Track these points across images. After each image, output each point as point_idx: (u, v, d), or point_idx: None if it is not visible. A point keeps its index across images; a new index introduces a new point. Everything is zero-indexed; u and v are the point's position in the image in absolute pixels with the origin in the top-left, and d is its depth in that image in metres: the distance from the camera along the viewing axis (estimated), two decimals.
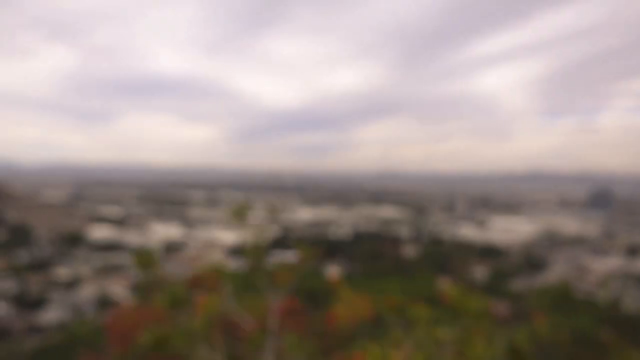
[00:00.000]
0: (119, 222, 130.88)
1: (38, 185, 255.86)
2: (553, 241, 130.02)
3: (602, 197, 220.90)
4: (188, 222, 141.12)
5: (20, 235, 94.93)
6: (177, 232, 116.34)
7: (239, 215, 4.18)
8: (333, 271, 69.90)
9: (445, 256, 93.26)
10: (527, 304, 27.40)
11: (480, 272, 77.98)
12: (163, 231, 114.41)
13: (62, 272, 76.83)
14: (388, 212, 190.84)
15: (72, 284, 71.65)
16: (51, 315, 55.88)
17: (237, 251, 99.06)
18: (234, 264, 79.33)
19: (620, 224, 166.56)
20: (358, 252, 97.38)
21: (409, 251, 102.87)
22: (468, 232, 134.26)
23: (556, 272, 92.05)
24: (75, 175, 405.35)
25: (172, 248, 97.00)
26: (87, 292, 67.61)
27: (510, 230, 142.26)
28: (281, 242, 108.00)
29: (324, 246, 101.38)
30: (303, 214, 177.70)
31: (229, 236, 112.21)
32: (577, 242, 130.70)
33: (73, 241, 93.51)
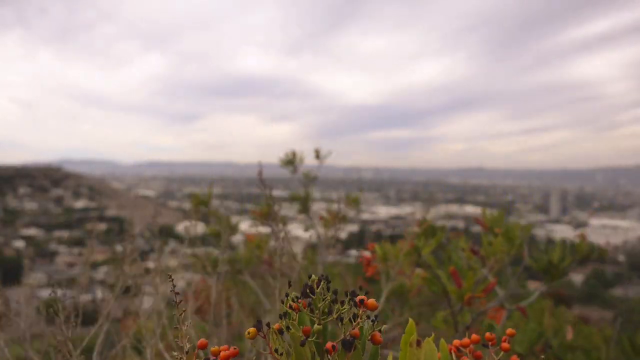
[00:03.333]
0: (204, 218, 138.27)
1: (134, 182, 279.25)
2: None
3: None
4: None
5: (119, 229, 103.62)
6: (257, 229, 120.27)
7: (289, 163, 3.98)
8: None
9: (536, 258, 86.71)
10: (632, 312, 24.02)
11: (577, 277, 71.48)
12: (244, 226, 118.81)
13: (153, 264, 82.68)
14: (473, 210, 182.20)
15: (162, 275, 76.75)
16: (144, 302, 60.30)
17: (315, 248, 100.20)
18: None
19: None
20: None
21: None
22: (564, 233, 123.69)
23: None
24: (166, 173, 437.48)
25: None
26: (175, 282, 72.01)
27: (614, 231, 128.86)
28: (359, 239, 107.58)
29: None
30: (382, 211, 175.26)
31: (307, 233, 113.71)
32: None
33: (164, 235, 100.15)
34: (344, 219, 3.79)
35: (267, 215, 4.05)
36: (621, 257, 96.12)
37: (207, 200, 4.01)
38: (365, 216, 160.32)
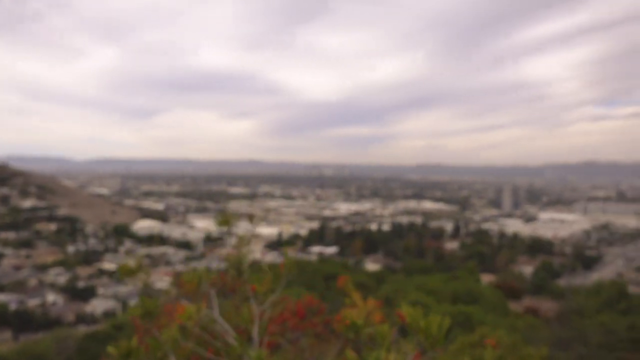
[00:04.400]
0: (162, 216, 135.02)
1: (87, 180, 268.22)
2: (608, 237, 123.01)
3: None
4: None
5: (71, 229, 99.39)
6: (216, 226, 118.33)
7: (224, 223, 3.78)
8: (371, 265, 68.80)
9: (490, 252, 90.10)
10: (576, 303, 25.43)
11: (527, 268, 74.60)
12: (203, 225, 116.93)
13: (109, 264, 79.80)
14: (430, 206, 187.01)
15: (117, 275, 74.32)
16: (98, 305, 58.03)
17: (274, 245, 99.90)
18: (270, 258, 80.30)
19: None
20: (399, 246, 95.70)
21: (452, 246, 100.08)
22: (516, 227, 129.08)
23: (611, 269, 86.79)
24: (121, 170, 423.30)
25: (211, 242, 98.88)
26: (132, 284, 69.89)
27: (561, 225, 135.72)
28: (319, 236, 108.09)
29: (363, 240, 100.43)
30: (343, 207, 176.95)
31: (267, 231, 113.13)
32: (634, 237, 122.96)
33: (119, 234, 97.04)
34: (279, 281, 3.73)
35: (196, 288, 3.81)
36: (567, 249, 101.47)
37: (137, 270, 3.67)
38: (327, 213, 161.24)
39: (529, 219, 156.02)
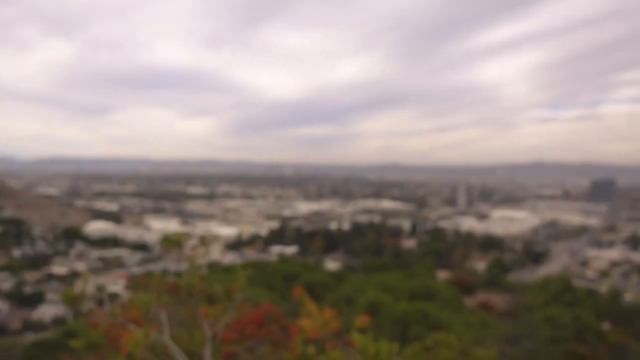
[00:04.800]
0: (116, 217, 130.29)
1: (35, 180, 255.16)
2: (555, 233, 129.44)
3: (605, 188, 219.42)
4: (186, 217, 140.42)
5: (17, 231, 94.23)
6: (175, 227, 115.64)
7: (173, 244, 3.67)
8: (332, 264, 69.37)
9: (446, 249, 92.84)
10: (526, 298, 26.71)
11: (481, 264, 77.39)
12: (160, 226, 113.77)
13: (58, 268, 76.24)
14: (389, 204, 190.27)
15: (68, 280, 71.08)
16: (47, 311, 55.31)
17: (234, 246, 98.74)
18: (230, 258, 79.31)
19: (622, 215, 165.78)
20: (358, 245, 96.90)
21: (410, 244, 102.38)
22: (469, 224, 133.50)
23: (557, 263, 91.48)
24: (72, 170, 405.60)
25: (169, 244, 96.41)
26: (83, 288, 66.95)
27: (511, 222, 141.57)
28: (279, 236, 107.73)
29: (323, 239, 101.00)
30: (303, 207, 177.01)
31: (227, 231, 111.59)
32: (579, 233, 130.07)
33: (69, 237, 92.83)
34: (229, 302, 3.68)
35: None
36: (518, 245, 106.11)
37: (81, 298, 3.56)
38: (287, 212, 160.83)
39: (482, 216, 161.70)
